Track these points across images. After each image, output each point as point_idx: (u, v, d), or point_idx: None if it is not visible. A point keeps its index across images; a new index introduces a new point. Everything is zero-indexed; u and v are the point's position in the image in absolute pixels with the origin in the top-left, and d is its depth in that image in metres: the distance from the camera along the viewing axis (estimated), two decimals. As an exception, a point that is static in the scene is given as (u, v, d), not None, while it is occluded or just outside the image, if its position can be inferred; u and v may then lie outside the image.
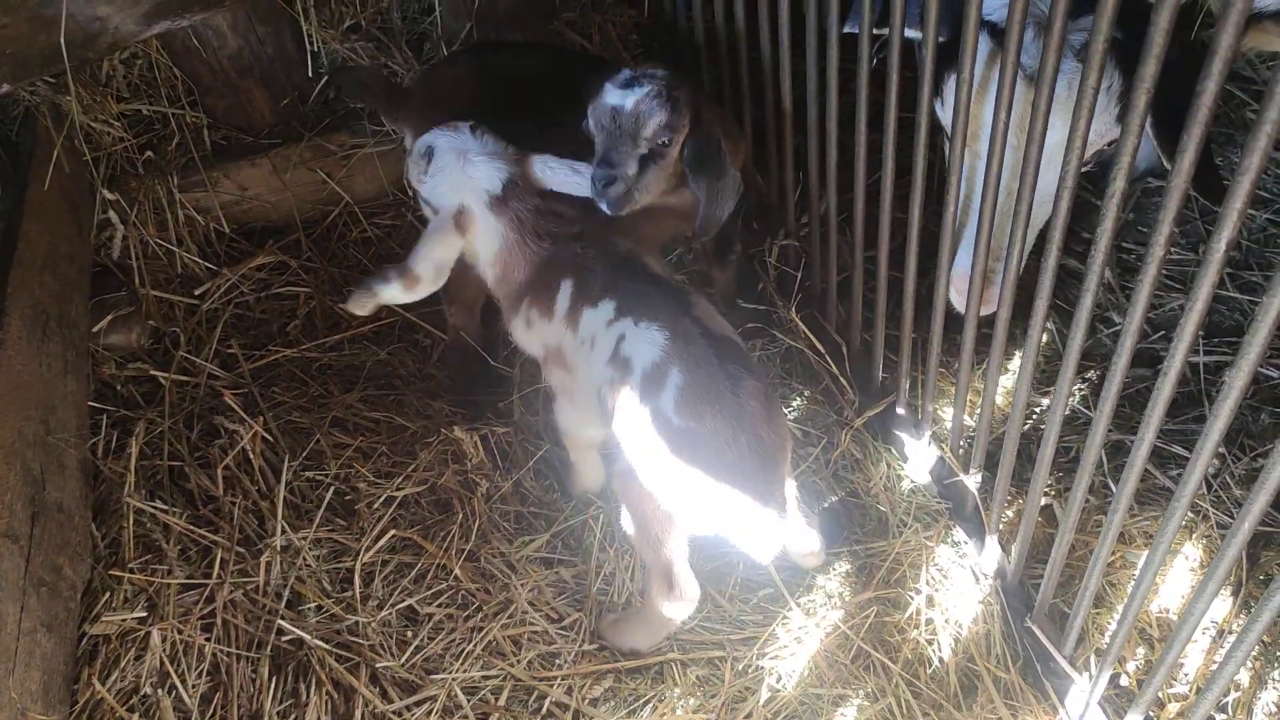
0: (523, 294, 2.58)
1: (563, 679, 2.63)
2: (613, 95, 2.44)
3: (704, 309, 2.37)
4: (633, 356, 2.28)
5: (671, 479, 2.25)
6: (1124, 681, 2.49)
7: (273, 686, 2.66)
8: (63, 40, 2.85)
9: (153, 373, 3.26)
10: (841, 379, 3.03)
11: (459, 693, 2.63)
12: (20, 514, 2.59)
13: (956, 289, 2.50)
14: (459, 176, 2.48)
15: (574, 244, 2.54)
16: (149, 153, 3.53)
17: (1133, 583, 2.10)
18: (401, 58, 3.65)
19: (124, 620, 2.72)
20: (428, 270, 2.45)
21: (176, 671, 2.65)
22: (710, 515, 2.27)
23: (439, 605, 2.79)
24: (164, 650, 2.67)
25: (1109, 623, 2.58)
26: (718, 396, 2.18)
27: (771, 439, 2.23)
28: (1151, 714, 2.29)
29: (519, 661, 2.68)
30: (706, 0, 3.23)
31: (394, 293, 2.43)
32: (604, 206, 2.46)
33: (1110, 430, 2.04)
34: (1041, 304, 2.09)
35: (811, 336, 3.10)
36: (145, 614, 2.74)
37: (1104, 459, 2.79)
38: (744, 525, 2.25)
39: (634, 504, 2.39)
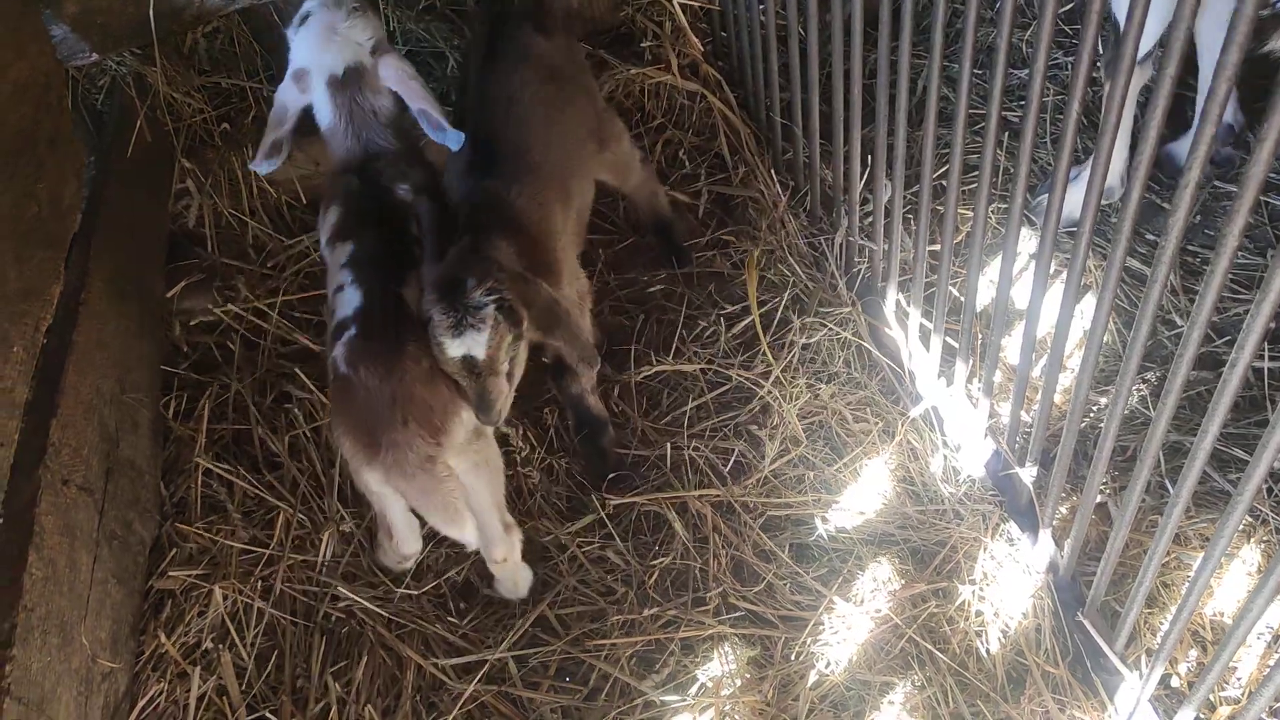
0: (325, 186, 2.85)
1: (611, 654, 2.68)
2: (454, 345, 2.32)
3: (414, 290, 2.49)
4: (338, 308, 2.51)
5: (343, 423, 2.46)
6: (1174, 682, 2.48)
7: (322, 647, 2.73)
8: (151, 13, 2.94)
9: (222, 340, 3.33)
10: (900, 369, 3.05)
11: (510, 662, 2.69)
12: (96, 469, 2.68)
13: None
14: (314, 46, 2.69)
15: (371, 168, 2.70)
16: (225, 125, 3.61)
17: (1187, 584, 2.10)
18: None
19: (188, 576, 2.80)
20: (273, 109, 2.75)
21: (236, 629, 2.73)
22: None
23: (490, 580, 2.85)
24: (225, 608, 2.75)
25: (1161, 623, 2.57)
26: (376, 355, 2.38)
27: (428, 398, 2.38)
28: (1202, 715, 2.29)
29: (568, 635, 2.73)
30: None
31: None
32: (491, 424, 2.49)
33: (1169, 431, 2.04)
34: (1106, 299, 2.09)
35: (874, 321, 3.13)
36: (208, 572, 2.82)
37: (1161, 459, 2.78)
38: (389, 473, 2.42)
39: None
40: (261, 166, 2.74)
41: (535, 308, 2.38)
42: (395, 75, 2.70)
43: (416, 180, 2.74)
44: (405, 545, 2.78)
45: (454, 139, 2.62)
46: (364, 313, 2.45)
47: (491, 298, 2.31)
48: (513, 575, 2.78)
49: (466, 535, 2.50)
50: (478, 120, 2.72)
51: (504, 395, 2.41)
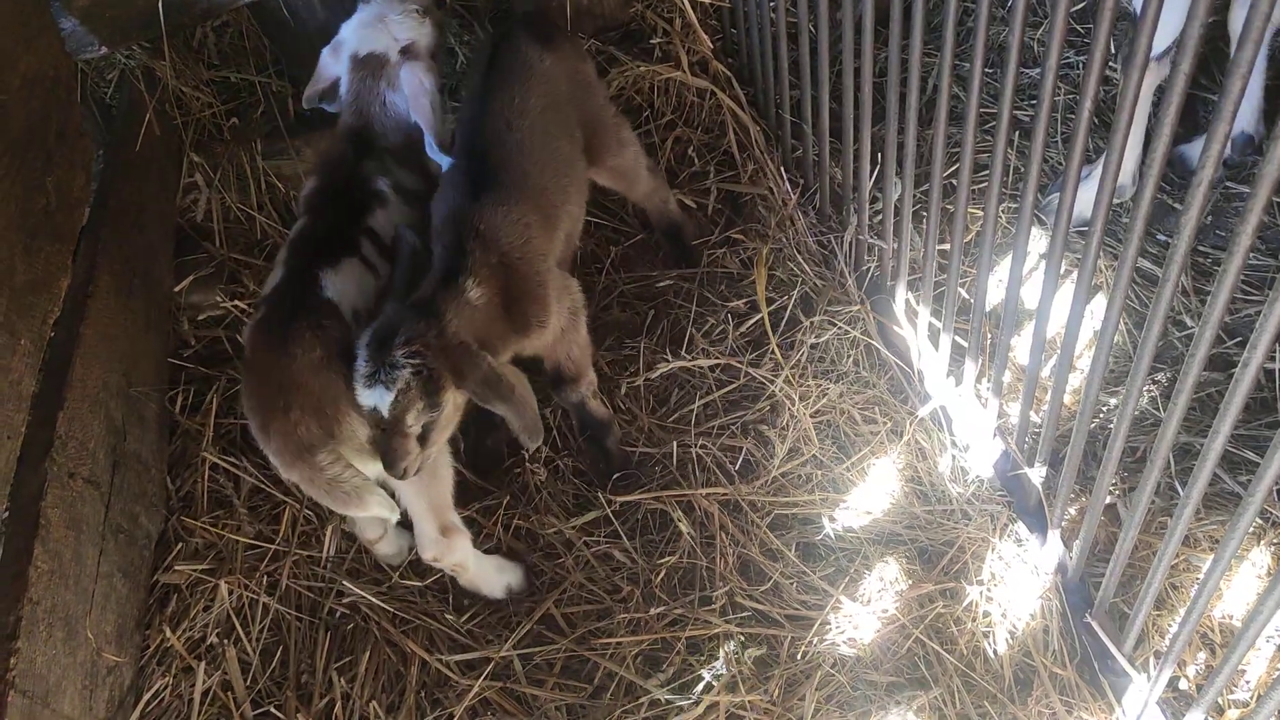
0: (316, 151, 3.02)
1: (616, 652, 2.67)
2: (363, 395, 2.30)
3: (337, 277, 2.52)
4: (268, 281, 2.60)
5: (246, 405, 2.53)
6: (1183, 685, 2.47)
7: (326, 642, 2.74)
8: (160, 6, 2.94)
9: (230, 334, 3.33)
10: (909, 368, 3.04)
11: (515, 660, 2.68)
12: (102, 462, 2.68)
13: None
14: (357, 23, 2.88)
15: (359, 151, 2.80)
16: (234, 119, 3.61)
17: (1196, 586, 2.09)
18: (484, 34, 3.69)
19: (194, 571, 2.80)
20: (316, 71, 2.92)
21: (241, 624, 2.73)
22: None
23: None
24: (230, 603, 2.75)
25: (1170, 625, 2.56)
26: (271, 338, 2.42)
27: (316, 388, 2.38)
28: (1210, 719, 2.28)
29: (574, 633, 2.72)
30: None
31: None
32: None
33: (1179, 432, 2.03)
34: (1117, 299, 2.08)
35: (883, 320, 3.11)
36: (214, 566, 2.82)
37: (1171, 460, 2.77)
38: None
39: None
40: (308, 101, 2.95)
41: (472, 380, 2.33)
42: (410, 83, 2.78)
43: (403, 182, 2.78)
44: (365, 531, 2.81)
45: (445, 163, 2.68)
46: (276, 294, 2.50)
47: (412, 362, 2.26)
48: (462, 577, 2.75)
49: (372, 513, 2.50)
50: (473, 134, 2.69)
51: (410, 456, 2.34)
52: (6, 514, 2.38)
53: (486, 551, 2.81)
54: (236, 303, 3.31)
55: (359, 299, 2.54)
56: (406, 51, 2.82)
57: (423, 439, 2.34)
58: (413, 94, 2.78)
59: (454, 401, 2.36)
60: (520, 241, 2.56)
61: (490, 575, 2.78)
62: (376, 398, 2.28)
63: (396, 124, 2.83)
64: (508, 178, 2.61)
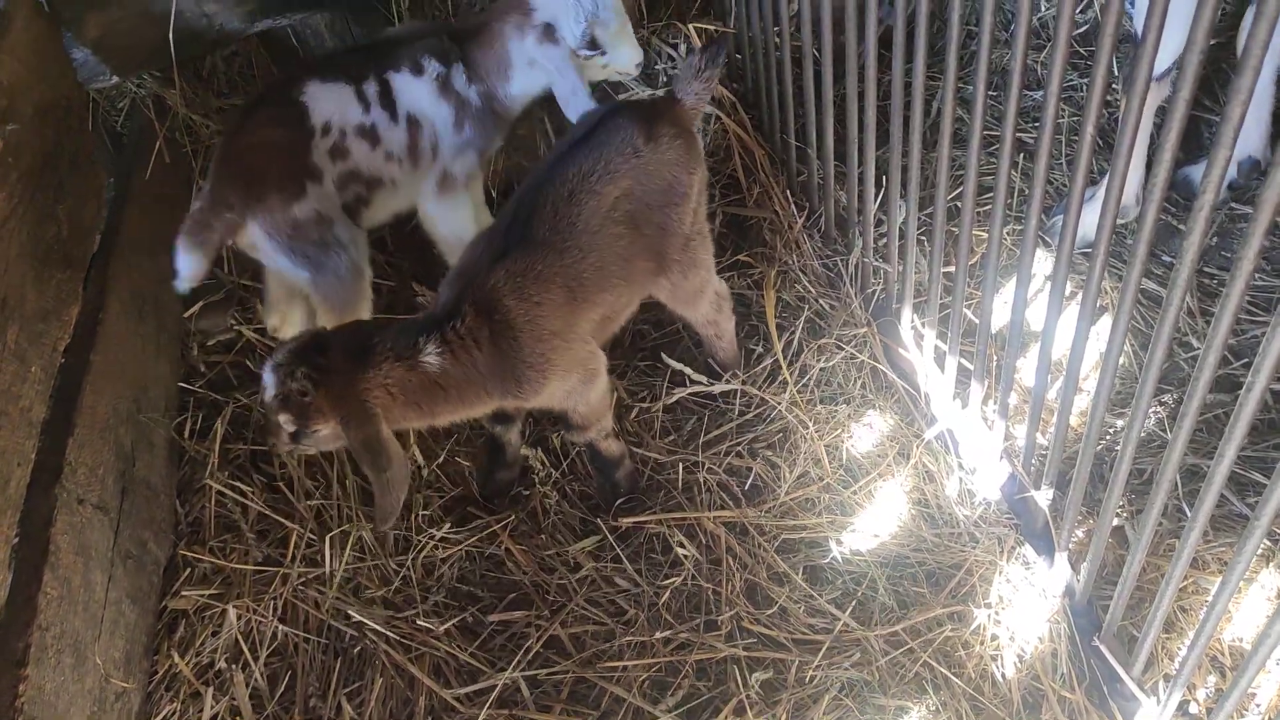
0: None
1: (623, 676, 2.67)
2: (266, 371, 2.39)
3: (320, 89, 2.85)
4: None
5: None
6: (1192, 709, 2.46)
7: (338, 667, 2.73)
8: (171, 36, 2.98)
9: (239, 359, 3.35)
10: (915, 391, 3.04)
11: (521, 684, 2.68)
12: (111, 488, 2.69)
13: None
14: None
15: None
16: (244, 147, 3.63)
17: (1205, 609, 2.08)
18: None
19: (202, 596, 2.80)
20: None
21: (249, 649, 2.73)
22: None
23: (500, 598, 2.85)
24: (238, 628, 2.75)
25: (1179, 648, 2.54)
26: (243, 115, 2.85)
27: (249, 164, 2.78)
28: (1220, 742, 2.27)
29: (580, 657, 2.72)
30: (792, 11, 3.26)
31: None
32: None
33: (1186, 454, 2.03)
34: (1122, 321, 2.08)
35: (888, 342, 3.12)
36: (222, 591, 2.82)
37: (1178, 482, 2.76)
38: None
39: None
40: None
41: (354, 437, 2.37)
42: (554, 61, 2.98)
43: (453, 80, 3.01)
44: (268, 316, 3.19)
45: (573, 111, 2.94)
46: (269, 87, 2.93)
47: (295, 388, 2.35)
48: None
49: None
50: (531, 192, 2.60)
51: (281, 442, 2.47)
52: (16, 540, 2.38)
53: (487, 556, 2.90)
54: (246, 328, 3.33)
55: (334, 114, 2.85)
56: (548, 26, 2.97)
57: (294, 438, 2.45)
58: (560, 83, 2.98)
59: (334, 433, 2.43)
60: (525, 317, 2.50)
61: None
62: (268, 379, 2.40)
63: (485, 52, 3.02)
64: (540, 246, 2.52)
